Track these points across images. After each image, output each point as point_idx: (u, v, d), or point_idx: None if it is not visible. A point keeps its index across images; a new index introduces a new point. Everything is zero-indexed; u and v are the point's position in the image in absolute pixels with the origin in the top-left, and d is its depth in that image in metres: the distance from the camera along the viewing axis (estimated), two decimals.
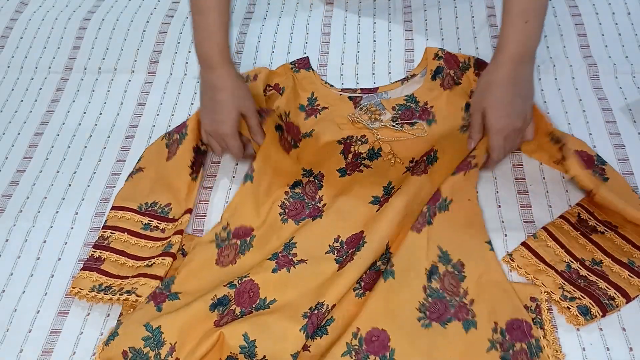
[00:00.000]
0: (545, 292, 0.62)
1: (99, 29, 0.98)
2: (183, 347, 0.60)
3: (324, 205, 0.72)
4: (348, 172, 0.76)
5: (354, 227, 0.69)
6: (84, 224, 0.74)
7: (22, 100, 0.90)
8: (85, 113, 0.87)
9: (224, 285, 0.63)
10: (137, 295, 0.65)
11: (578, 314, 0.60)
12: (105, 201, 0.76)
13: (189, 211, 0.72)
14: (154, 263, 0.68)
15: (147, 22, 0.98)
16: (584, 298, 0.61)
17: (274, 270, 0.65)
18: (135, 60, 0.93)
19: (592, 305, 0.60)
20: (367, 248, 0.65)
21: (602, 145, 0.74)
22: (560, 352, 0.59)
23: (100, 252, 0.70)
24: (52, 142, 0.84)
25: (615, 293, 0.61)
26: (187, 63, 0.91)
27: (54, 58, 0.95)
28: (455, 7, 0.94)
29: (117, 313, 0.65)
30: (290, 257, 0.67)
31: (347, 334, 0.60)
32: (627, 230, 0.65)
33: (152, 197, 0.74)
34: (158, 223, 0.72)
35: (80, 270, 0.68)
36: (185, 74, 0.90)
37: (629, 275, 0.62)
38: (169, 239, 0.69)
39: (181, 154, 0.76)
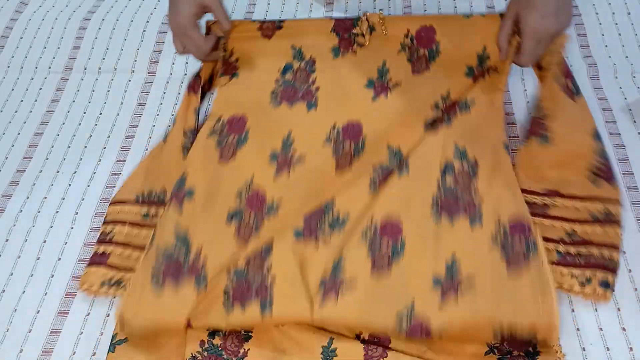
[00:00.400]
0: (562, 288, 0.62)
1: (99, 29, 0.98)
2: (209, 255, 0.65)
3: (317, 89, 0.71)
4: (342, 50, 0.74)
5: (349, 113, 0.70)
6: (84, 224, 0.74)
7: (22, 100, 0.90)
8: (85, 113, 0.87)
9: (236, 198, 0.68)
10: None
11: (604, 291, 0.61)
12: (105, 201, 0.76)
13: None
14: None
15: (147, 22, 0.98)
16: (596, 272, 0.61)
17: (275, 173, 0.69)
18: (135, 60, 0.93)
19: (606, 274, 0.61)
20: (367, 154, 0.68)
21: None
22: (561, 351, 0.59)
23: (104, 247, 0.70)
24: (52, 142, 0.84)
25: (607, 251, 0.62)
26: (187, 63, 0.91)
27: (54, 58, 0.95)
28: (455, 7, 0.94)
29: None
30: (288, 157, 0.69)
31: (363, 222, 0.63)
32: (569, 187, 0.66)
33: (147, 187, 0.74)
34: (156, 210, 0.72)
35: (87, 266, 0.69)
36: (185, 74, 0.90)
37: (601, 227, 0.64)
38: None
39: (171, 139, 0.77)
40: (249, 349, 0.61)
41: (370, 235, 0.63)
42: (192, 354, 0.61)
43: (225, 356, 0.61)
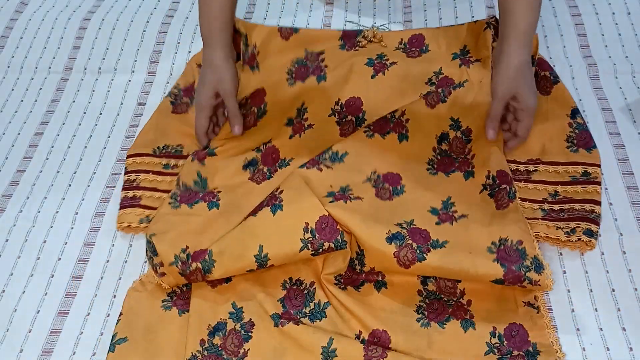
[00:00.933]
0: (550, 238, 0.67)
1: (99, 29, 0.98)
2: (225, 193, 0.72)
3: (326, 66, 0.79)
4: (347, 47, 0.82)
5: (351, 90, 0.76)
6: (84, 224, 0.74)
7: (22, 100, 0.90)
8: (85, 113, 0.87)
9: (252, 150, 0.77)
10: None
11: (588, 239, 0.65)
12: (105, 201, 0.76)
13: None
14: None
15: (147, 22, 0.98)
16: (580, 223, 0.66)
17: (290, 137, 0.77)
18: (135, 60, 0.93)
19: (589, 225, 0.66)
20: (368, 122, 0.75)
21: (602, 145, 0.74)
22: (560, 351, 0.59)
23: (133, 192, 0.75)
24: (52, 142, 0.84)
25: (590, 206, 0.68)
26: (187, 63, 0.91)
27: (54, 58, 0.95)
28: (455, 7, 0.94)
29: (117, 312, 0.65)
30: (302, 122, 0.77)
31: (366, 171, 0.71)
32: (550, 156, 0.73)
33: (161, 141, 0.81)
34: (176, 161, 0.78)
35: (120, 209, 0.73)
36: None
37: (582, 187, 0.69)
38: None
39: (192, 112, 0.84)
40: (249, 349, 0.61)
41: (374, 178, 0.71)
42: (192, 353, 0.61)
43: (225, 356, 0.61)
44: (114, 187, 0.78)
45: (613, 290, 0.63)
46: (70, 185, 0.79)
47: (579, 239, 0.65)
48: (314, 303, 0.64)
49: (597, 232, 0.66)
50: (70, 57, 0.95)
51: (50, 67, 0.94)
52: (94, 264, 0.71)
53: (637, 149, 0.74)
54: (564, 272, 0.65)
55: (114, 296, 0.68)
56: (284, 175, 0.72)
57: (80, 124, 0.86)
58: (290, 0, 0.99)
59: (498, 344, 0.60)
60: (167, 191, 0.75)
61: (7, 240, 0.74)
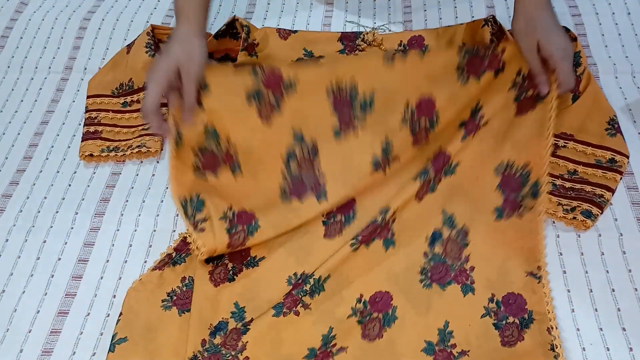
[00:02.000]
0: (548, 212, 0.68)
1: (99, 29, 0.98)
2: (237, 140, 0.70)
3: (325, 183, 0.71)
4: (347, 52, 0.81)
5: (349, 193, 0.71)
6: (84, 224, 0.74)
7: (22, 100, 0.90)
8: (85, 113, 0.87)
9: (251, 75, 0.69)
10: (148, 148, 0.77)
11: (584, 219, 0.66)
12: (105, 201, 0.76)
13: None
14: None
15: (147, 22, 0.98)
16: (582, 204, 0.67)
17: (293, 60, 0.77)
18: None
19: (591, 207, 0.67)
20: (356, 223, 0.69)
21: None
22: (554, 320, 0.61)
23: (94, 127, 0.81)
24: (52, 142, 0.84)
25: (601, 191, 0.68)
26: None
27: (54, 58, 0.95)
28: (455, 7, 0.94)
29: (117, 312, 0.65)
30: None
31: (351, 299, 0.65)
32: (584, 135, 0.73)
33: (117, 82, 0.85)
34: (132, 97, 0.83)
35: (82, 141, 0.79)
36: None
37: (602, 172, 0.70)
38: None
39: (138, 41, 0.87)
40: (247, 342, 0.61)
41: (360, 309, 0.64)
42: (193, 353, 0.61)
43: (223, 351, 0.61)
44: (114, 187, 0.78)
45: (613, 290, 0.63)
46: (70, 185, 0.79)
47: (575, 218, 0.67)
48: (314, 279, 0.65)
49: (597, 215, 0.67)
50: (70, 57, 0.95)
51: (50, 67, 0.94)
52: (94, 264, 0.71)
53: (637, 149, 0.73)
54: (564, 272, 0.65)
55: (114, 296, 0.68)
56: (292, 106, 0.70)
57: (80, 124, 0.86)
58: (290, 0, 0.99)
59: (495, 309, 0.63)
60: (127, 126, 0.80)
61: (7, 240, 0.74)
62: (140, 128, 0.81)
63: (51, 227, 0.75)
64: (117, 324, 0.63)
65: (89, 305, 0.67)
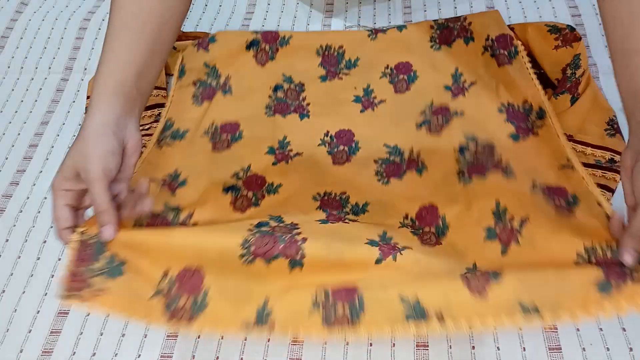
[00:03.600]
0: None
1: (99, 29, 0.98)
2: (201, 214, 0.62)
3: (308, 104, 0.78)
4: (329, 78, 0.81)
5: (341, 123, 0.75)
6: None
7: (22, 101, 0.90)
8: (85, 113, 0.87)
9: (231, 177, 0.69)
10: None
11: None
12: None
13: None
14: (150, 127, 0.78)
15: None
16: None
17: (274, 164, 0.71)
18: None
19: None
20: (363, 151, 0.72)
21: None
22: (607, 201, 0.60)
23: None
24: (52, 142, 0.84)
25: (600, 190, 0.66)
26: None
27: (54, 58, 0.95)
28: (455, 7, 0.94)
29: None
30: (286, 152, 0.73)
31: (397, 216, 0.64)
32: (584, 135, 0.72)
33: None
34: None
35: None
36: None
37: (602, 172, 0.69)
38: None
39: None
40: (300, 232, 0.55)
41: (409, 223, 0.63)
42: (243, 237, 0.54)
43: (278, 233, 0.54)
44: None
45: None
46: None
47: None
48: (351, 205, 0.66)
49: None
50: (70, 57, 0.95)
51: (50, 68, 0.94)
52: None
53: None
54: None
55: None
56: (271, 204, 0.65)
57: (80, 124, 0.86)
58: (289, 8, 0.99)
59: (542, 187, 0.61)
60: None
61: (7, 240, 0.74)
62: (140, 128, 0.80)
63: (51, 227, 0.75)
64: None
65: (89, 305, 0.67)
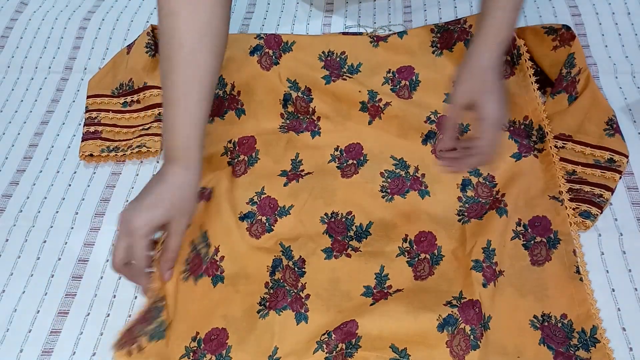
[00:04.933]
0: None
1: (99, 29, 0.98)
2: (225, 250, 0.68)
3: (319, 118, 0.79)
4: (332, 79, 0.80)
5: (350, 138, 0.78)
6: (84, 224, 0.74)
7: (22, 100, 0.90)
8: (85, 113, 0.87)
9: (247, 203, 0.72)
10: (148, 148, 0.77)
11: (583, 220, 0.67)
12: (105, 201, 0.76)
13: (151, 87, 0.82)
14: (150, 126, 0.79)
15: (147, 22, 0.98)
16: (581, 205, 0.68)
17: (285, 184, 0.74)
18: None
19: (590, 207, 0.67)
20: (371, 162, 0.75)
21: None
22: (578, 241, 0.65)
23: (94, 127, 0.81)
24: (52, 142, 0.84)
25: (600, 190, 0.69)
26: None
27: (54, 58, 0.95)
28: (455, 7, 0.94)
29: (117, 313, 0.65)
30: (298, 172, 0.75)
31: (397, 238, 0.68)
32: (583, 135, 0.72)
33: (117, 82, 0.85)
34: (132, 97, 0.82)
35: (82, 141, 0.80)
36: None
37: (601, 172, 0.70)
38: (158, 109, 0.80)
39: (138, 41, 0.87)
40: (306, 282, 0.66)
41: (407, 247, 0.68)
42: (260, 296, 0.65)
43: (287, 287, 0.65)
44: (114, 187, 0.78)
45: (613, 290, 0.63)
46: (70, 185, 0.79)
47: (574, 219, 0.67)
48: (356, 226, 0.70)
49: (597, 215, 0.67)
50: (70, 57, 0.95)
51: (50, 67, 0.94)
52: (94, 264, 0.71)
53: (637, 149, 0.73)
54: None
55: (114, 296, 0.68)
56: (283, 230, 0.70)
57: (80, 124, 0.86)
58: (289, 8, 0.99)
59: (522, 231, 0.66)
60: (127, 127, 0.81)
61: (7, 240, 0.74)
62: (140, 128, 0.80)
63: (51, 227, 0.75)
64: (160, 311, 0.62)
65: (89, 305, 0.67)
